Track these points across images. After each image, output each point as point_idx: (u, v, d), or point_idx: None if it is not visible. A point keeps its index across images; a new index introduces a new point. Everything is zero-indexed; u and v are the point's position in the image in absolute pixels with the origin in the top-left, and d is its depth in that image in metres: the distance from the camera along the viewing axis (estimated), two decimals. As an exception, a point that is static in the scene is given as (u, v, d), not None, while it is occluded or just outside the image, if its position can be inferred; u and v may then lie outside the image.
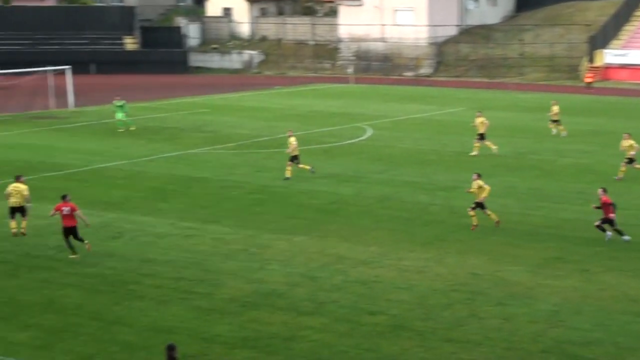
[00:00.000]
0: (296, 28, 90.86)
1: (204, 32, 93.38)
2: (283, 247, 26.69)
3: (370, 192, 34.00)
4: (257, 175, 37.14)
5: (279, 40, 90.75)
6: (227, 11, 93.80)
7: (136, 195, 33.18)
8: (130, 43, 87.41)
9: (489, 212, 28.48)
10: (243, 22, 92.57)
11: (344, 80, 78.11)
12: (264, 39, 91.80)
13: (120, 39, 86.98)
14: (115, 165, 38.83)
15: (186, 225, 28.94)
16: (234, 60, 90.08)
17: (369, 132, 48.84)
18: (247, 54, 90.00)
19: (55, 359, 18.50)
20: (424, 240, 27.43)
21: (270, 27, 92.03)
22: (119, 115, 48.12)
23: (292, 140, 35.88)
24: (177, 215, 30.32)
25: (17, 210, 26.78)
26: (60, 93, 56.54)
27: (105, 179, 36.04)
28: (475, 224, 28.35)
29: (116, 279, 23.56)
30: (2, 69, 59.46)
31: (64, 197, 25.53)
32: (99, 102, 60.94)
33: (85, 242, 25.33)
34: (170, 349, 15.23)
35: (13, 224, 26.89)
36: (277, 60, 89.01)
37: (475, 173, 29.15)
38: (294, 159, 35.85)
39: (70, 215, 25.20)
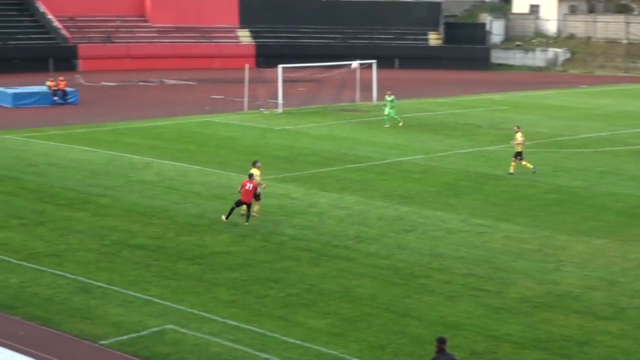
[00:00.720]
0: (608, 26, 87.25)
1: (507, 28, 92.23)
2: (580, 249, 25.85)
3: (684, 197, 32.06)
4: (554, 174, 36.17)
5: (588, 39, 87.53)
6: (534, 8, 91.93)
7: (430, 190, 33.39)
8: (434, 39, 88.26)
9: None
10: (550, 19, 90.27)
11: (658, 80, 74.03)
12: (571, 36, 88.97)
13: (425, 34, 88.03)
14: (411, 159, 39.36)
15: (478, 222, 28.73)
16: (537, 57, 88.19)
17: (688, 135, 45.99)
18: (552, 51, 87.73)
19: (349, 347, 18.86)
20: None
21: (579, 25, 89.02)
22: (390, 112, 48.43)
23: (519, 136, 35.65)
24: (469, 211, 30.19)
25: None
26: (365, 87, 58.25)
27: (402, 172, 36.56)
28: None
29: (407, 271, 23.79)
30: (316, 62, 62.36)
31: (250, 176, 28.14)
32: (400, 97, 61.99)
33: (253, 213, 28.30)
34: (441, 341, 15.24)
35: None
36: (585, 59, 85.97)
37: None
38: (518, 155, 35.53)
39: (251, 192, 27.75)
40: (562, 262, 24.70)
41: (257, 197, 28.64)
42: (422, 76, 77.45)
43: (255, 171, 28.68)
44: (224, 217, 28.12)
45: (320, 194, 32.31)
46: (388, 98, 48.81)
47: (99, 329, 19.51)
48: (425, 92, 66.27)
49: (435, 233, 27.52)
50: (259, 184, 28.61)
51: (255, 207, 28.72)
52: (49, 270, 23.29)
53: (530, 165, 35.82)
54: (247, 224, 27.85)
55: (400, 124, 48.21)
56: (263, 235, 27.00)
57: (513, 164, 35.80)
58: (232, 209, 28.02)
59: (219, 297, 21.61)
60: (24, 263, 23.80)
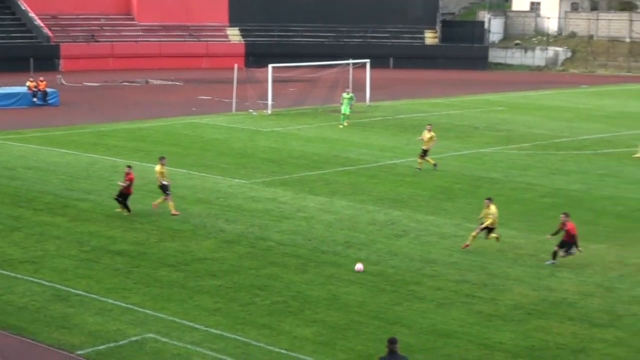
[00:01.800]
0: (610, 24, 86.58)
1: (506, 27, 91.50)
2: (577, 255, 25.10)
3: (685, 201, 31.44)
4: (552, 177, 35.53)
5: (590, 37, 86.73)
6: (535, 6, 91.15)
7: (422, 194, 32.79)
8: (430, 37, 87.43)
9: (492, 235, 25.74)
10: (551, 17, 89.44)
11: (662, 80, 73.48)
12: (572, 35, 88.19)
13: (421, 33, 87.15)
14: (404, 162, 38.65)
15: (472, 227, 27.78)
16: (537, 57, 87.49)
17: (691, 137, 45.28)
18: (552, 50, 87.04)
19: (337, 356, 18.43)
20: None
21: (581, 23, 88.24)
22: (346, 110, 47.37)
23: (426, 134, 36.23)
24: (463, 215, 29.55)
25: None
26: (359, 87, 57.47)
27: (394, 175, 35.92)
28: (468, 243, 25.63)
29: (398, 278, 23.26)
30: (307, 62, 61.44)
31: (129, 167, 29.02)
32: (394, 97, 61.55)
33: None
34: (392, 342, 14.87)
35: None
36: (586, 58, 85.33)
37: (487, 198, 26.12)
38: (424, 152, 36.13)
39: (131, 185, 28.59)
40: (557, 268, 24.21)
41: (166, 191, 28.77)
42: (417, 76, 76.84)
43: (157, 167, 29.07)
44: (125, 213, 28.59)
45: (309, 197, 31.69)
46: (346, 95, 47.87)
47: (76, 338, 19.03)
48: (420, 92, 65.64)
49: (428, 238, 26.95)
50: (163, 180, 28.80)
51: (171, 203, 28.79)
52: (24, 277, 22.70)
53: (432, 161, 36.31)
54: (128, 214, 28.49)
55: (345, 124, 47.08)
56: (249, 240, 26.36)
57: (420, 160, 36.38)
58: (122, 202, 28.59)
59: (202, 305, 21.11)
60: (-2, 270, 23.20)
